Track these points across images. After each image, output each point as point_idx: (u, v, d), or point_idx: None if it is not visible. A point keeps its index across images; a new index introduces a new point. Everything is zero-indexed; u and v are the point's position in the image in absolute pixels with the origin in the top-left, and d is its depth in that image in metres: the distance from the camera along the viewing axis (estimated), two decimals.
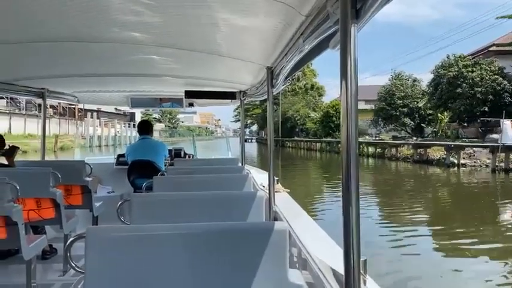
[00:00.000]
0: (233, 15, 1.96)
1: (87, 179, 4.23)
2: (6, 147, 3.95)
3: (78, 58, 3.09)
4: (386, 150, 31.84)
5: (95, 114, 49.23)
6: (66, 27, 2.23)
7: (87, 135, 46.70)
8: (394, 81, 42.36)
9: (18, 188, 2.89)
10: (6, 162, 3.97)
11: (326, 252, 2.04)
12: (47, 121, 40.02)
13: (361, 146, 34.04)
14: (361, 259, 1.22)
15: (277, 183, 3.91)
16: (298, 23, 1.78)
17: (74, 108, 48.27)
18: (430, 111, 37.82)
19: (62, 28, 2.26)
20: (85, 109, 47.62)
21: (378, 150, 33.32)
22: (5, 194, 2.79)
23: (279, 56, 2.45)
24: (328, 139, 44.05)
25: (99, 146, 46.58)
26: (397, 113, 40.37)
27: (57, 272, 3.78)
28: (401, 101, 40.53)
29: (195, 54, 2.85)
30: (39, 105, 40.40)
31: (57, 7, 1.89)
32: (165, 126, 69.81)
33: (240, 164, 4.74)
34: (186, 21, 2.11)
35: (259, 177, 4.56)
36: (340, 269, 1.27)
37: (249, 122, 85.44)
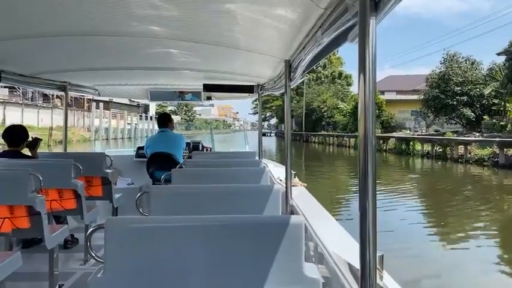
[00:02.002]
0: (252, 8, 1.96)
1: (108, 170, 4.30)
2: (30, 139, 4.05)
3: (99, 52, 3.14)
4: (449, 149, 24.09)
5: (101, 104, 45.12)
6: (86, 21, 2.27)
7: (92, 127, 43.24)
8: (450, 63, 34.43)
9: (41, 178, 2.97)
10: (29, 154, 4.08)
11: (342, 246, 2.03)
12: (49, 111, 38.06)
13: (410, 143, 28.55)
14: (378, 254, 1.21)
15: (295, 177, 3.90)
16: (317, 15, 1.76)
17: (83, 98, 43.37)
18: (495, 101, 30.82)
19: (83, 22, 2.29)
20: (94, 99, 43.05)
21: (436, 148, 25.50)
22: (28, 185, 2.86)
23: (297, 49, 2.43)
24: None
25: (107, 139, 43.40)
26: (454, 102, 32.76)
27: (79, 261, 3.88)
28: (459, 88, 32.84)
29: (213, 48, 2.86)
30: (45, 95, 37.94)
31: (78, 1, 1.92)
32: (181, 119, 68.30)
33: (257, 158, 4.76)
34: (204, 14, 2.11)
35: (276, 170, 4.56)
36: (357, 264, 1.27)
37: (268, 114, 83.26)
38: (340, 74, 59.19)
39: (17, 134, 3.92)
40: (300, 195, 3.49)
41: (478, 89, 32.56)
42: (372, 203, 1.17)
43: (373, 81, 1.16)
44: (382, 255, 1.28)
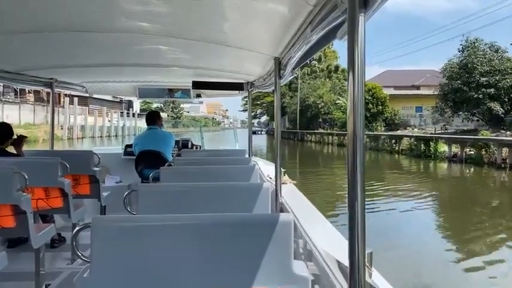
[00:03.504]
0: (241, 5, 1.95)
1: (95, 168, 4.26)
2: (14, 136, 3.98)
3: (87, 48, 3.09)
4: (485, 151, 19.20)
5: (75, 99, 41.69)
6: (74, 17, 2.23)
7: (65, 124, 39.53)
8: (473, 50, 29.69)
9: (26, 177, 2.92)
10: (15, 152, 4.01)
11: (331, 244, 2.04)
12: (17, 107, 35.57)
13: (430, 143, 23.14)
14: (367, 252, 1.21)
15: (284, 174, 3.90)
16: (306, 12, 1.75)
17: (58, 93, 38.22)
18: None
19: (70, 18, 2.26)
20: (72, 95, 39.61)
21: (466, 150, 20.54)
22: (13, 183, 2.82)
23: (287, 47, 2.43)
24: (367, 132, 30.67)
25: (83, 138, 40.56)
26: (480, 95, 28.07)
27: (66, 260, 3.83)
28: (485, 79, 28.07)
29: (202, 45, 2.84)
30: (16, 90, 34.74)
31: None
32: (168, 116, 65.60)
33: (247, 156, 4.75)
34: (193, 11, 2.09)
35: (267, 168, 4.55)
36: (346, 261, 1.27)
37: (258, 111, 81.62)
38: (337, 67, 56.00)
39: (1, 132, 3.85)
40: (290, 192, 3.49)
41: (509, 80, 27.95)
42: (360, 200, 1.17)
43: (361, 77, 1.16)
44: (371, 252, 1.28)
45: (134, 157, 5.22)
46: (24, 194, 2.90)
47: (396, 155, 26.05)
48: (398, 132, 32.00)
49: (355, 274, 1.19)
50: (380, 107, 38.21)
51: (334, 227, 2.58)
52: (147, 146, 5.08)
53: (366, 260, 1.21)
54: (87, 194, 4.25)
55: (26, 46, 2.98)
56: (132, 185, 5.18)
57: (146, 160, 5.01)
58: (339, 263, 1.68)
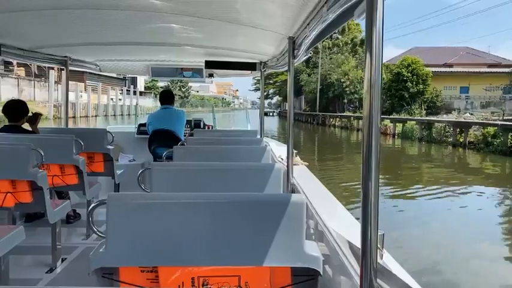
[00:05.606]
0: None
1: (109, 147, 4.31)
2: (30, 114, 4.04)
3: (100, 26, 3.09)
4: None
5: (63, 73, 33.21)
6: None
7: (50, 102, 33.80)
8: None
9: (42, 154, 2.98)
10: (30, 129, 4.07)
11: (343, 225, 2.04)
12: None
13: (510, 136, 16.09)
14: (379, 233, 1.21)
15: (296, 155, 3.90)
16: None
17: (52, 69, 32.69)
18: None
19: None
20: (60, 68, 26.64)
21: None
22: (30, 160, 2.87)
23: (302, 26, 2.38)
24: (401, 116, 27.40)
25: (74, 116, 34.06)
26: None
27: (81, 236, 3.93)
28: None
29: (215, 23, 2.80)
30: (6, 62, 29.66)
31: None
32: (175, 95, 64.38)
33: (259, 136, 4.75)
34: None
35: (278, 149, 4.56)
36: (357, 242, 1.28)
37: (270, 91, 78.49)
38: (363, 40, 49.60)
39: (17, 109, 3.91)
40: (301, 174, 3.49)
41: None
42: (374, 182, 1.17)
43: (379, 57, 1.14)
44: (383, 234, 1.29)
45: (147, 136, 5.26)
46: (41, 170, 2.96)
47: (459, 149, 19.16)
48: (447, 118, 23.85)
49: (366, 255, 1.19)
50: (421, 86, 32.94)
51: (345, 209, 2.58)
52: (161, 125, 5.10)
53: (377, 241, 1.21)
54: (102, 172, 4.32)
55: (40, 24, 2.99)
56: (146, 163, 5.24)
57: (159, 139, 5.05)
58: (351, 244, 1.69)
